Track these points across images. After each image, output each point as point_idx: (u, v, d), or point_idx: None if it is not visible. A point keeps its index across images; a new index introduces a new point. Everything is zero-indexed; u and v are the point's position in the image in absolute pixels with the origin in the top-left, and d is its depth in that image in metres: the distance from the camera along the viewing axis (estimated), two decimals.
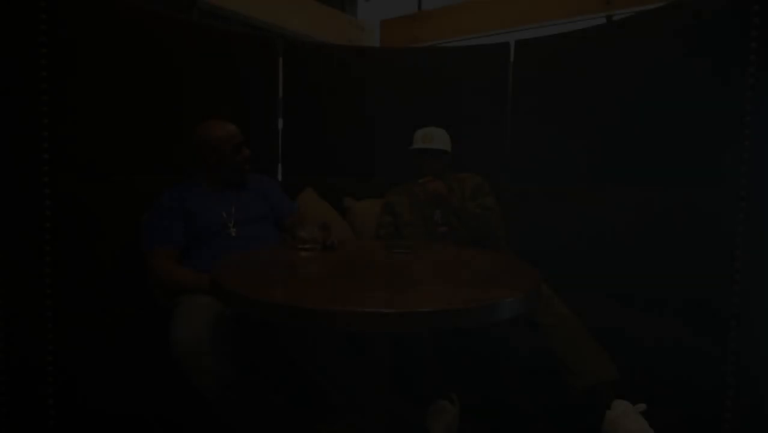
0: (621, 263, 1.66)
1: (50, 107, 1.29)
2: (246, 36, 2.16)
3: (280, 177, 2.29)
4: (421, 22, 3.52)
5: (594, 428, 1.29)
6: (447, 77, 2.23)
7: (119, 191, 1.67)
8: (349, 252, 1.39)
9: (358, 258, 1.30)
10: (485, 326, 0.96)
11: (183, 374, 1.24)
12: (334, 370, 1.38)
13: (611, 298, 1.64)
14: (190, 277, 1.45)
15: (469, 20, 3.34)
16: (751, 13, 1.27)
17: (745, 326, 1.27)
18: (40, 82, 1.28)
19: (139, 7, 1.74)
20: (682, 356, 1.36)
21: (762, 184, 1.26)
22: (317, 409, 1.37)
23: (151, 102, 1.77)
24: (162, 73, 1.81)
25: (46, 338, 1.28)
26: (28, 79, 1.26)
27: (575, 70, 1.93)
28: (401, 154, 1.93)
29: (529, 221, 2.01)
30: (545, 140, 2.03)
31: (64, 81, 1.45)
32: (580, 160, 1.91)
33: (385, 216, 1.97)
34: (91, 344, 1.39)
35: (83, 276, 1.51)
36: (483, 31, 3.40)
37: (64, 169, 1.40)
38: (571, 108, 1.94)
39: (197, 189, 1.65)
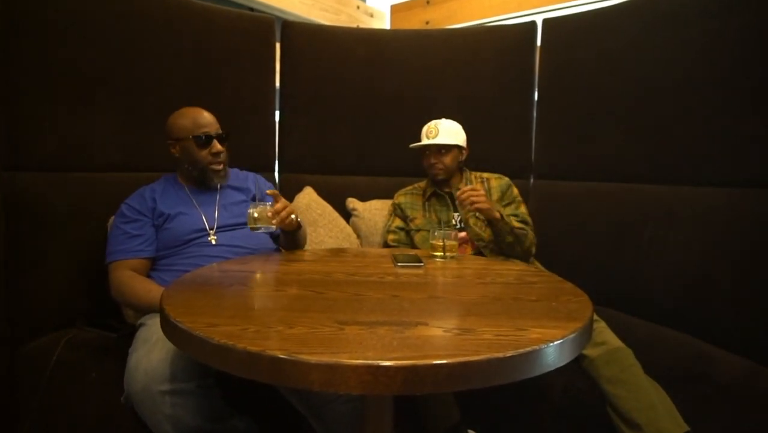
0: (682, 280, 1.39)
1: None
2: (237, 16, 1.93)
3: (276, 175, 2.12)
4: (433, 7, 3.30)
5: None
6: (465, 62, 2.01)
7: (86, 190, 1.49)
8: (344, 266, 1.16)
9: (353, 276, 1.06)
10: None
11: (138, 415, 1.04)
12: (327, 406, 1.15)
13: (667, 323, 1.36)
14: (155, 294, 1.22)
15: (485, 3, 3.11)
16: None
17: None
18: None
19: None
20: None
21: None
22: None
23: (126, 90, 1.59)
24: (138, 57, 1.61)
25: None
26: None
27: (613, 51, 1.67)
28: (412, 150, 1.68)
29: (559, 226, 1.76)
30: (578, 131, 1.80)
31: (16, 62, 1.27)
32: (621, 154, 1.65)
33: (393, 220, 1.73)
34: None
35: (37, 286, 1.34)
36: (500, 15, 3.16)
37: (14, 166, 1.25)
38: (611, 94, 1.68)
39: (173, 189, 1.44)
